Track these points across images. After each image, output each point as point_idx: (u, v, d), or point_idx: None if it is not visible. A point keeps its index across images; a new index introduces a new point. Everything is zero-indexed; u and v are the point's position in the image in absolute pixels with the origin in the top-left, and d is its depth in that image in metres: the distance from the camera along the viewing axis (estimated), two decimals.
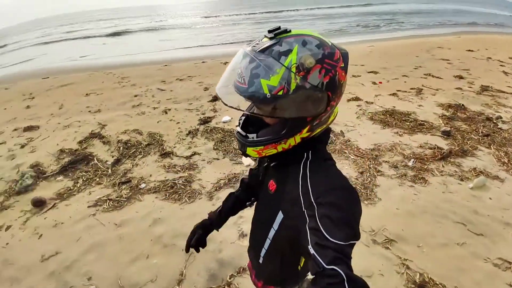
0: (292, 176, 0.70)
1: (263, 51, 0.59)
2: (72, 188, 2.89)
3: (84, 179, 3.01)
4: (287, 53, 0.58)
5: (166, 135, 3.85)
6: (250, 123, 0.75)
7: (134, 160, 3.32)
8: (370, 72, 6.28)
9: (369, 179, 2.64)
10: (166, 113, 4.61)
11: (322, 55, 0.59)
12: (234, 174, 2.89)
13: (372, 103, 4.48)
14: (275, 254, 0.84)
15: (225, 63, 8.18)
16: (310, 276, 0.83)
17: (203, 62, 8.33)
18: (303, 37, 0.59)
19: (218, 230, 1.05)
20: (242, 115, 0.76)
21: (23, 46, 17.60)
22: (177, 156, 3.33)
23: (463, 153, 2.99)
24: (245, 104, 0.70)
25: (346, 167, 2.87)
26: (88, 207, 2.57)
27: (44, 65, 10.65)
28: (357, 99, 4.65)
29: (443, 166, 2.82)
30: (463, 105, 4.14)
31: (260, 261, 0.90)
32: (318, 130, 0.69)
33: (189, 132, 3.87)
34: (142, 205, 2.55)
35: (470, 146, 3.11)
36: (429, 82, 5.40)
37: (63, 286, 1.80)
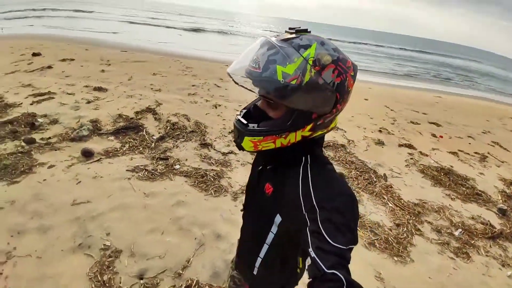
0: (291, 178, 0.69)
1: (284, 40, 0.61)
2: (118, 149, 3.14)
3: (130, 145, 3.26)
4: (306, 47, 0.59)
5: (210, 127, 4.00)
6: (251, 117, 0.72)
7: (176, 141, 3.50)
8: (432, 123, 5.82)
9: (405, 234, 2.39)
10: (216, 107, 4.82)
11: (337, 58, 0.61)
12: None
13: (427, 155, 4.12)
14: (274, 260, 0.82)
15: None
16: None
17: None
18: (321, 39, 0.63)
19: None
20: (244, 108, 0.75)
21: (109, 19, 20.18)
22: (215, 149, 3.43)
23: None
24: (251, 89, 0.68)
25: (381, 214, 2.64)
26: (126, 170, 2.76)
27: (126, 41, 12.03)
28: (410, 146, 4.32)
29: (490, 246, 2.44)
30: None
31: (255, 272, 0.86)
32: (319, 132, 0.68)
33: (232, 131, 3.98)
34: (172, 184, 2.65)
35: None
36: (495, 151, 4.80)
37: (82, 233, 1.94)
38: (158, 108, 4.38)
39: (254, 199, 0.85)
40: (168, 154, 3.18)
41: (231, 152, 3.40)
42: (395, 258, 2.11)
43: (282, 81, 0.58)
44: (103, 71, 6.17)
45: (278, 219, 0.74)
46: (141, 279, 1.69)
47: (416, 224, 2.55)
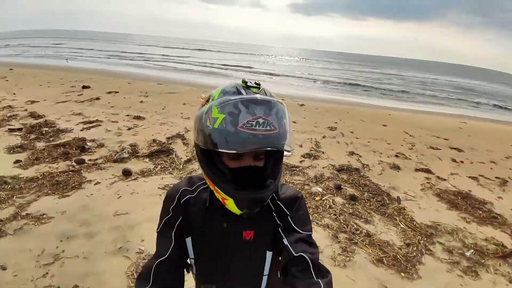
0: (265, 207, 0.72)
1: (271, 95, 0.63)
2: (151, 170, 3.61)
3: (162, 167, 3.72)
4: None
5: None
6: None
7: None
8: (453, 148, 5.75)
9: (414, 253, 2.47)
10: None
11: None
12: None
13: (444, 180, 4.12)
14: (275, 276, 0.75)
15: (301, 104, 8.74)
16: None
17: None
18: None
19: None
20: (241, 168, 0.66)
21: (151, 59, 22.58)
22: None
23: None
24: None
25: (392, 234, 2.74)
26: (158, 188, 3.18)
27: (161, 75, 13.44)
28: (427, 171, 4.35)
29: (500, 265, 2.41)
30: None
31: None
32: None
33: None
34: None
35: None
36: None
37: (122, 238, 2.31)
38: (187, 134, 4.92)
39: (232, 257, 0.75)
40: (194, 174, 3.58)
41: None
42: (402, 274, 2.20)
43: (289, 131, 0.63)
44: (142, 101, 7.04)
45: (269, 255, 0.75)
46: None
47: (427, 244, 2.60)
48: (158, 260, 0.68)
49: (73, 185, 3.10)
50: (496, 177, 4.42)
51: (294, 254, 0.64)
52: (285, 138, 0.61)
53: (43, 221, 2.45)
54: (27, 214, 2.53)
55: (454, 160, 5.03)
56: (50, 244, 2.20)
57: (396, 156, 4.91)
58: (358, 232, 2.68)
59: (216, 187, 0.65)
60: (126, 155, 3.91)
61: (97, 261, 2.12)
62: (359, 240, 2.56)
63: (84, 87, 8.51)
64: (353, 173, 4.01)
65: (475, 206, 3.41)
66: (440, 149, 5.58)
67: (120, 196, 2.97)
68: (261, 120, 0.57)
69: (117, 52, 26.68)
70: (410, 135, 6.40)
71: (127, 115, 5.85)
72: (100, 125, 5.17)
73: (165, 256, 0.69)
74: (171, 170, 3.66)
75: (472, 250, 2.55)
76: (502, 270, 2.39)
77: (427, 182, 3.98)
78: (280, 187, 0.77)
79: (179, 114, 6.20)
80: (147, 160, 3.90)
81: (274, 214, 0.73)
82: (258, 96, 0.60)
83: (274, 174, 0.68)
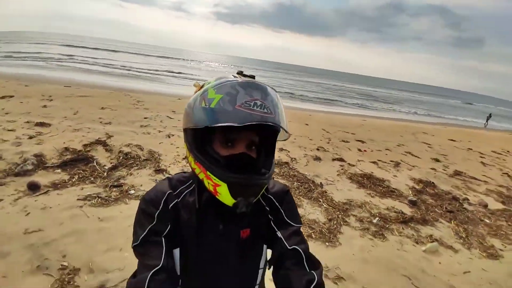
0: (258, 205, 0.71)
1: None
2: (67, 181, 3.13)
3: (80, 176, 3.26)
4: None
5: (165, 155, 4.20)
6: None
7: (130, 170, 3.62)
8: (358, 140, 6.94)
9: (335, 225, 2.91)
10: (169, 137, 5.05)
11: None
12: None
13: (354, 165, 4.95)
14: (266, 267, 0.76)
15: None
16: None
17: None
18: None
19: None
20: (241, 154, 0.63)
21: (53, 59, 19.18)
22: (170, 174, 3.63)
23: (424, 221, 3.31)
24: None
25: (317, 213, 3.15)
26: (77, 199, 2.79)
27: (69, 76, 11.57)
28: (341, 160, 5.13)
29: (402, 228, 3.11)
30: (433, 183, 4.59)
31: None
32: None
33: (185, 157, 4.24)
34: (127, 207, 2.76)
35: (431, 217, 3.43)
36: (407, 158, 5.98)
37: (38, 257, 1.95)
38: (109, 140, 4.43)
39: (229, 259, 0.70)
40: (122, 181, 3.28)
41: None
42: (327, 244, 2.58)
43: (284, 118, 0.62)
44: (45, 106, 5.93)
45: (265, 249, 0.74)
46: None
47: (344, 217, 3.11)
48: (152, 271, 0.57)
49: None
50: (391, 161, 5.57)
51: (288, 247, 0.65)
52: (282, 123, 0.59)
53: None
54: None
55: (359, 150, 6.08)
56: None
57: (318, 149, 5.61)
58: None
59: (208, 172, 0.60)
60: (30, 167, 3.26)
61: (17, 281, 1.77)
62: None
63: None
64: (283, 166, 4.41)
65: (376, 183, 4.23)
66: (349, 142, 6.66)
67: (29, 213, 2.47)
68: (258, 102, 0.56)
69: (9, 52, 21.53)
70: (327, 132, 7.41)
71: (27, 122, 4.84)
72: None
73: (160, 266, 0.58)
74: (92, 179, 3.24)
75: (378, 218, 3.17)
76: (406, 233, 3.03)
77: (341, 169, 4.71)
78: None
79: (97, 120, 5.50)
80: (59, 170, 3.34)
81: (267, 209, 0.73)
82: (255, 80, 0.61)
83: (267, 165, 0.66)
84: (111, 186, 3.15)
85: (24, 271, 1.82)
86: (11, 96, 6.53)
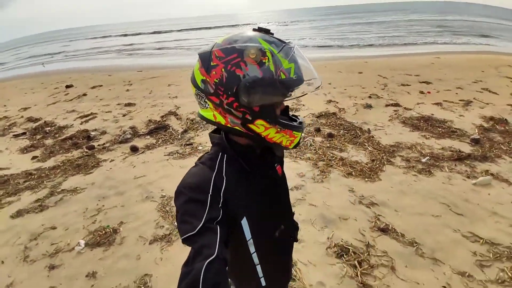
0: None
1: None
2: (154, 143, 4.11)
3: (163, 139, 4.22)
4: None
5: None
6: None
7: (196, 132, 4.42)
8: (423, 82, 6.27)
9: (377, 165, 3.08)
10: None
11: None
12: None
13: (410, 109, 4.69)
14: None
15: None
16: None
17: None
18: None
19: None
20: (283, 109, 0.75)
21: (120, 50, 21.93)
22: None
23: (483, 158, 3.11)
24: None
25: (361, 156, 3.34)
26: (164, 155, 3.71)
27: (137, 62, 13.38)
28: (396, 105, 4.90)
29: (455, 165, 3.03)
30: (506, 119, 4.03)
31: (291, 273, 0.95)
32: None
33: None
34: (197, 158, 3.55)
35: (494, 154, 3.19)
36: (482, 96, 5.20)
37: (146, 192, 2.88)
38: (178, 110, 5.35)
39: (285, 196, 0.87)
40: (192, 141, 4.09)
41: None
42: (366, 179, 2.83)
43: None
44: (128, 90, 7.31)
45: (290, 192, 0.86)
46: None
47: (389, 158, 3.22)
48: (208, 260, 0.55)
49: (92, 165, 3.61)
50: (460, 100, 4.99)
51: None
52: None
53: (78, 192, 3.00)
54: (62, 189, 3.06)
55: (421, 92, 5.57)
56: (90, 203, 2.77)
57: (369, 97, 5.43)
58: (333, 158, 3.28)
59: (289, 129, 0.69)
60: (129, 136, 4.38)
61: (131, 207, 2.72)
62: (334, 163, 3.16)
63: (67, 86, 8.64)
64: (331, 117, 4.55)
65: (435, 125, 4.00)
66: (410, 85, 6.10)
67: (135, 166, 3.50)
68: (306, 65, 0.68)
69: (84, 49, 25.68)
70: (384, 77, 6.88)
71: (118, 104, 6.19)
72: (96, 117, 5.54)
73: (214, 255, 0.55)
74: (171, 141, 4.16)
75: (428, 157, 3.15)
76: (458, 169, 2.93)
77: (395, 114, 4.54)
78: None
79: (166, 95, 6.54)
80: (148, 137, 4.37)
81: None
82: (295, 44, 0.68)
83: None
84: (185, 144, 3.99)
85: (137, 201, 2.76)
86: (100, 86, 8.20)
